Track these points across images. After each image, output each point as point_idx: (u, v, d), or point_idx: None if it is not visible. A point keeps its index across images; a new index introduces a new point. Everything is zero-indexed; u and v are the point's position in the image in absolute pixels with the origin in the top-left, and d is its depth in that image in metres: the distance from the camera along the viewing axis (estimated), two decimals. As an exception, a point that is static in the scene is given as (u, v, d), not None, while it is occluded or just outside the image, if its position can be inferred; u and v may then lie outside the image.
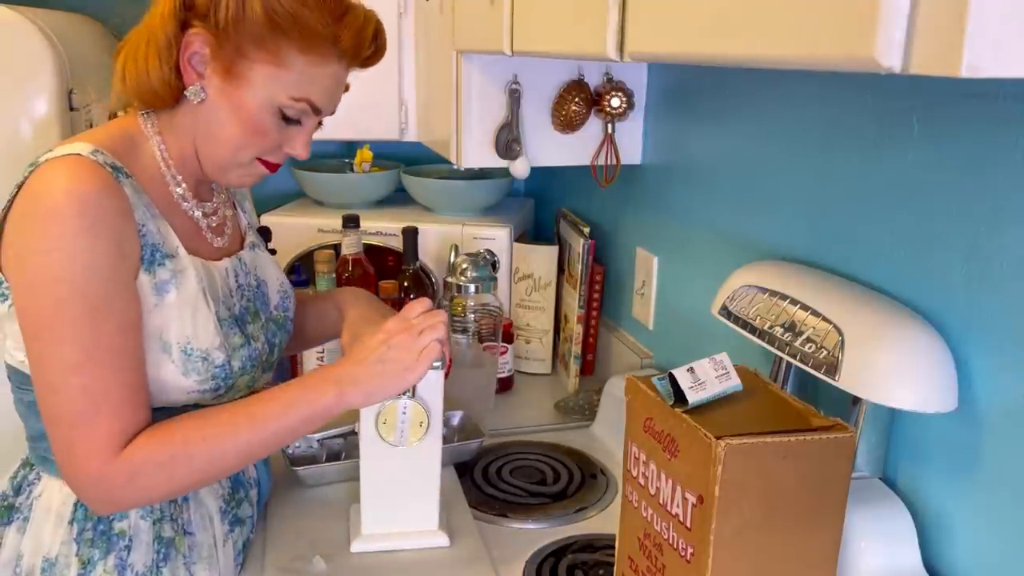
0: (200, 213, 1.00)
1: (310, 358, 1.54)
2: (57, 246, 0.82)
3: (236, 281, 1.03)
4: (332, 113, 1.00)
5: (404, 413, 1.04)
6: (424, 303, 1.02)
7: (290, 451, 1.32)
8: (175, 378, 0.92)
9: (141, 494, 0.90)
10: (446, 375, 1.07)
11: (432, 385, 1.06)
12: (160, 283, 0.90)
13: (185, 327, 0.92)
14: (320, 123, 1.01)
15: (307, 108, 0.94)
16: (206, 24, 0.89)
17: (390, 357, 0.95)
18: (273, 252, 1.15)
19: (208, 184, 1.04)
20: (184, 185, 0.98)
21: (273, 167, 1.00)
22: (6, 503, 0.96)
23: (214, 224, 1.02)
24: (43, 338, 0.84)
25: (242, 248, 1.07)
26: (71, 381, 0.84)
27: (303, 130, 0.97)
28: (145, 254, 0.89)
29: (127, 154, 0.92)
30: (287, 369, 1.56)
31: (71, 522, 0.92)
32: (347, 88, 1.01)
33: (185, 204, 0.98)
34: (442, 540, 1.12)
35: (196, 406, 0.96)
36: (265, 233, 1.15)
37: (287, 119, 0.95)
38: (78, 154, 0.85)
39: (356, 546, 1.10)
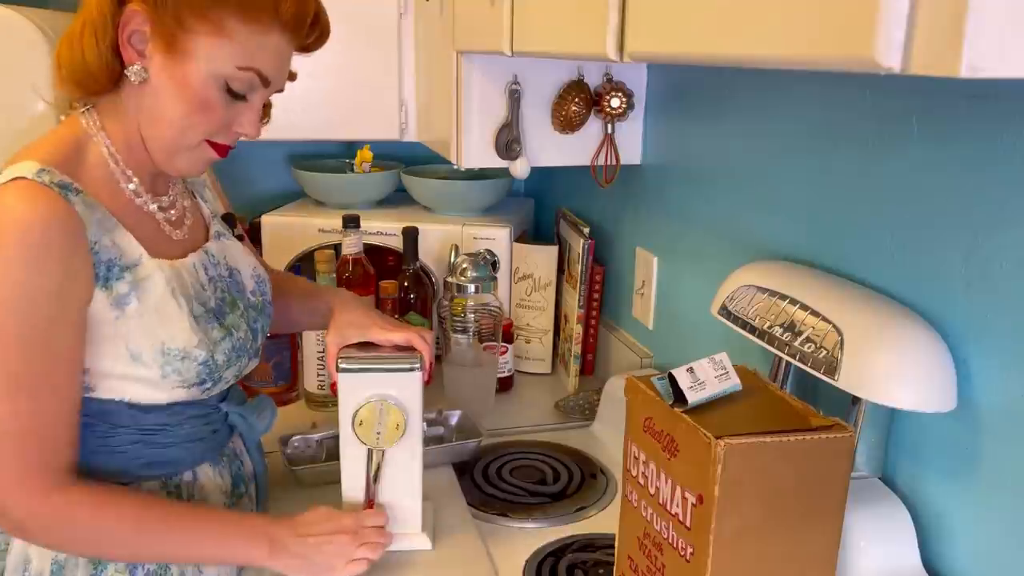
0: (156, 207, 0.97)
1: (310, 359, 1.54)
2: (1, 274, 0.82)
3: (207, 274, 1.01)
4: (280, 90, 0.97)
5: (371, 420, 1.04)
6: (381, 517, 1.04)
7: (289, 451, 1.33)
8: (155, 381, 0.92)
9: (55, 542, 0.90)
10: (427, 381, 1.07)
11: (410, 388, 1.06)
12: (119, 297, 0.89)
13: (155, 332, 0.91)
14: (269, 106, 0.98)
15: (255, 78, 0.91)
16: (144, 0, 0.87)
17: (324, 552, 0.98)
18: (240, 238, 1.12)
19: (163, 176, 1.00)
20: (136, 180, 0.95)
21: (222, 150, 0.96)
22: None
23: (173, 217, 1.00)
24: None
25: (207, 239, 1.05)
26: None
27: (251, 106, 0.94)
28: (100, 272, 0.87)
29: (74, 162, 0.90)
30: (288, 370, 1.56)
31: None
32: (293, 76, 0.98)
33: (139, 200, 0.95)
34: (424, 543, 1.11)
35: (185, 403, 0.97)
36: (230, 220, 1.12)
37: (234, 94, 0.91)
38: (23, 177, 0.84)
39: None
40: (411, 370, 1.05)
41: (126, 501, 0.92)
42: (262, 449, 1.16)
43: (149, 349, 0.91)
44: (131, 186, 0.95)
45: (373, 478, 1.07)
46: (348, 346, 1.09)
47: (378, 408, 1.03)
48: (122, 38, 0.88)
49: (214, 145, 0.95)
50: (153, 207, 0.97)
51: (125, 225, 0.91)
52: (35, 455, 0.86)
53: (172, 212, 1.00)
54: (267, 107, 0.98)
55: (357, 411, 1.04)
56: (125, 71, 0.89)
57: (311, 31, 0.94)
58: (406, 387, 1.05)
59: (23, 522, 0.88)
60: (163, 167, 0.96)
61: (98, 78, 0.90)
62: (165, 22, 0.87)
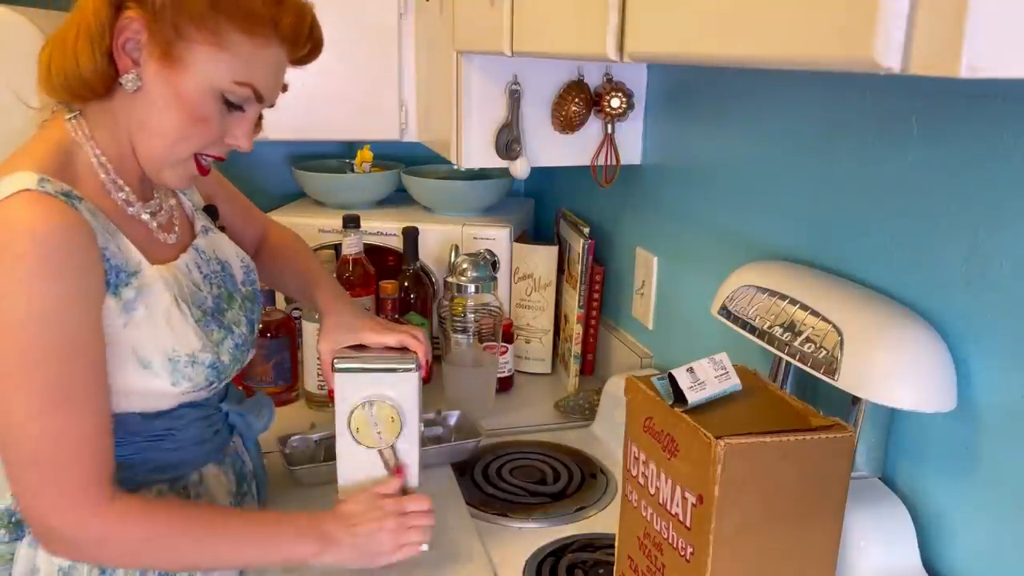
0: (148, 215, 0.96)
1: (310, 359, 1.54)
2: (22, 290, 0.80)
3: (200, 272, 1.00)
4: (272, 105, 0.96)
5: (368, 419, 1.04)
6: (425, 501, 1.04)
7: (287, 451, 1.32)
8: (164, 388, 0.91)
9: (108, 557, 0.89)
10: (424, 378, 1.07)
11: (407, 387, 1.05)
12: (127, 303, 0.88)
13: (164, 338, 0.90)
14: (260, 118, 0.96)
15: (251, 94, 0.90)
16: (142, 7, 0.85)
17: (376, 541, 0.99)
18: (223, 229, 1.12)
19: (150, 180, 0.98)
20: (127, 189, 0.93)
21: (204, 170, 0.95)
22: (14, 520, 0.94)
23: (163, 221, 0.99)
24: (6, 383, 0.81)
25: (195, 236, 1.05)
26: (36, 425, 0.82)
27: (245, 118, 0.93)
28: (110, 278, 0.86)
29: (68, 171, 0.88)
30: (288, 370, 1.56)
31: None
32: (285, 88, 0.96)
33: (131, 209, 0.94)
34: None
35: (196, 404, 0.97)
36: (212, 211, 1.12)
37: (229, 105, 0.90)
38: (27, 189, 0.81)
39: None
40: (408, 370, 1.05)
41: (174, 508, 0.92)
42: (259, 448, 1.16)
43: (159, 356, 0.90)
44: (122, 195, 0.93)
45: (395, 467, 1.07)
46: (343, 347, 1.09)
47: (375, 408, 1.03)
48: (116, 45, 0.86)
49: (199, 164, 0.93)
50: (145, 215, 0.95)
51: (123, 232, 0.90)
52: (81, 471, 0.84)
53: (161, 215, 0.99)
54: (259, 117, 0.97)
55: (353, 411, 1.04)
56: (119, 79, 0.87)
57: (306, 44, 0.94)
58: (403, 387, 1.05)
59: (77, 542, 0.86)
60: (151, 178, 0.95)
61: (93, 85, 0.87)
62: (163, 30, 0.85)
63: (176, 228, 1.01)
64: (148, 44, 0.86)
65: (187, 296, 0.95)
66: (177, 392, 0.92)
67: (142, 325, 0.89)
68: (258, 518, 0.98)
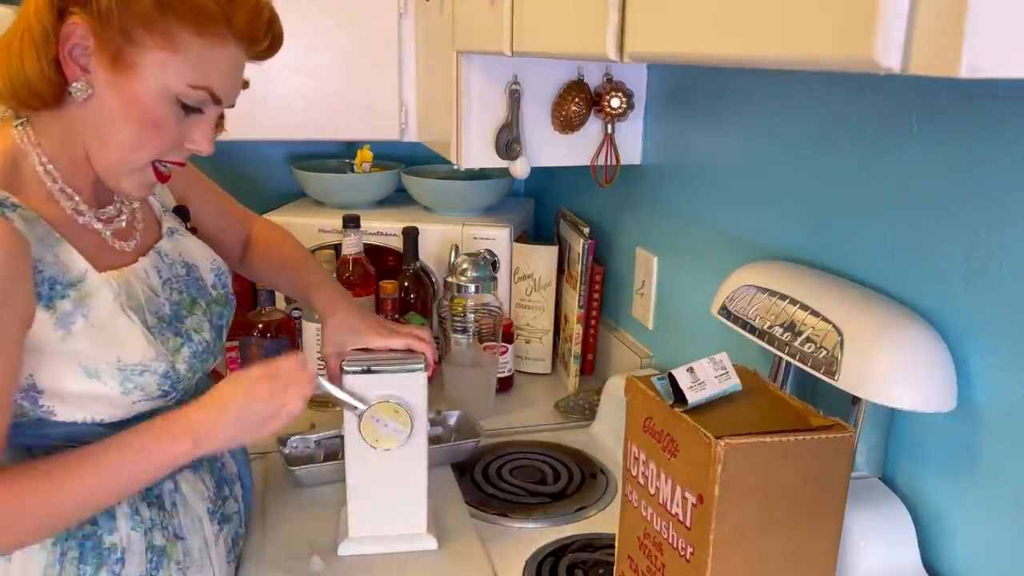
0: (101, 223, 0.92)
1: (311, 359, 1.54)
2: None
3: (160, 277, 0.97)
4: (232, 105, 0.92)
5: (377, 421, 1.04)
6: (296, 360, 0.96)
7: (287, 451, 1.32)
8: (115, 397, 0.89)
9: None
10: (431, 378, 1.07)
11: (416, 388, 1.05)
12: (63, 316, 0.85)
13: (107, 349, 0.87)
14: (222, 118, 0.93)
15: (207, 97, 0.87)
16: (86, 11, 0.81)
17: (250, 410, 0.91)
18: (194, 231, 1.10)
19: (105, 187, 0.94)
20: (78, 197, 0.90)
21: (164, 177, 0.92)
22: None
23: (122, 225, 0.96)
24: None
25: (160, 238, 1.01)
26: None
27: (204, 121, 0.89)
28: (42, 292, 0.83)
29: (10, 178, 0.85)
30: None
31: (54, 544, 0.90)
32: (246, 84, 0.93)
33: (82, 218, 0.90)
34: (430, 543, 1.11)
35: (152, 412, 0.94)
36: (183, 212, 1.10)
37: (186, 108, 0.87)
38: None
39: (343, 548, 1.10)
40: (415, 371, 1.05)
41: (26, 464, 0.85)
42: (245, 451, 1.15)
43: (104, 366, 0.87)
44: (71, 204, 0.90)
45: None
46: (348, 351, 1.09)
47: (385, 409, 1.03)
48: (63, 52, 0.82)
49: (157, 172, 0.91)
50: (98, 224, 0.92)
51: (68, 239, 0.87)
52: None
53: (120, 220, 0.96)
54: (220, 117, 0.94)
55: (363, 413, 1.04)
56: (69, 88, 0.84)
57: (264, 40, 0.90)
58: (410, 388, 1.05)
59: None
60: (109, 187, 0.92)
61: (41, 94, 0.84)
62: (111, 35, 0.82)
63: (136, 234, 0.98)
64: (96, 50, 0.83)
65: (140, 303, 0.92)
66: (129, 401, 0.90)
67: (82, 337, 0.86)
68: (118, 443, 0.88)
